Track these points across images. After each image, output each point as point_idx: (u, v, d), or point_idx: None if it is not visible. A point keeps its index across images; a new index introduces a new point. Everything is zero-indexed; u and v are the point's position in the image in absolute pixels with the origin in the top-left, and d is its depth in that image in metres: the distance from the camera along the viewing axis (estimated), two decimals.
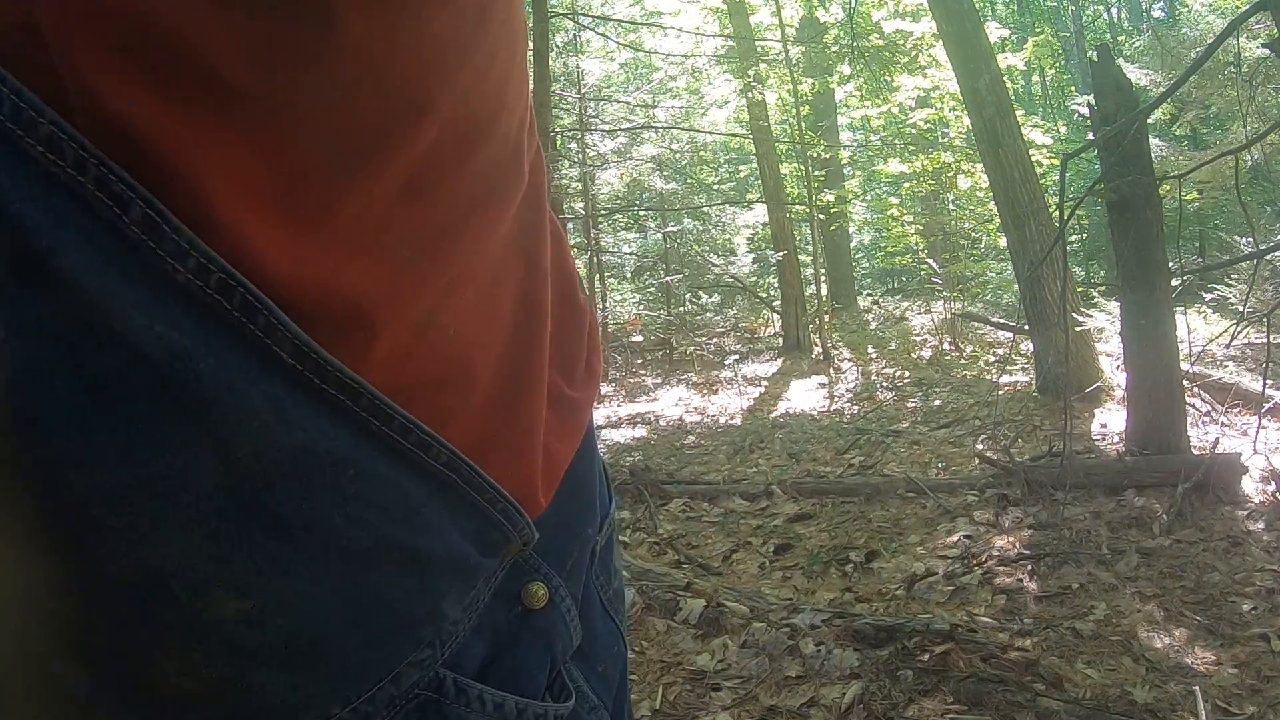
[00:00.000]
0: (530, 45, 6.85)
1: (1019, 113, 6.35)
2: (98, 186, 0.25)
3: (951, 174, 9.62)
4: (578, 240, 10.23)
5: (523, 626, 0.42)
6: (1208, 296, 6.63)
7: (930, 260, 9.87)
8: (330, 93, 0.29)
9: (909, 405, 6.26)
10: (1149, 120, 4.16)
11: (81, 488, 0.26)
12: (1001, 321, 7.87)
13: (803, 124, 9.80)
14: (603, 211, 10.60)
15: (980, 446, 4.67)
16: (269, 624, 0.30)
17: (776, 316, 10.88)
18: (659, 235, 11.24)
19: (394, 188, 0.32)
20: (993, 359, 7.55)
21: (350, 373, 0.30)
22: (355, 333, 0.31)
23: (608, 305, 10.61)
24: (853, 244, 14.75)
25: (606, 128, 10.01)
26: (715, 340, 11.29)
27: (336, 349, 0.31)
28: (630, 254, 11.66)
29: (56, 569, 0.27)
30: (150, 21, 0.26)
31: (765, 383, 8.23)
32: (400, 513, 0.33)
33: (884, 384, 7.31)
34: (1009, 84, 7.21)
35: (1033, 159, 6.12)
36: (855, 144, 13.10)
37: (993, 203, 6.77)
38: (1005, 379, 6.18)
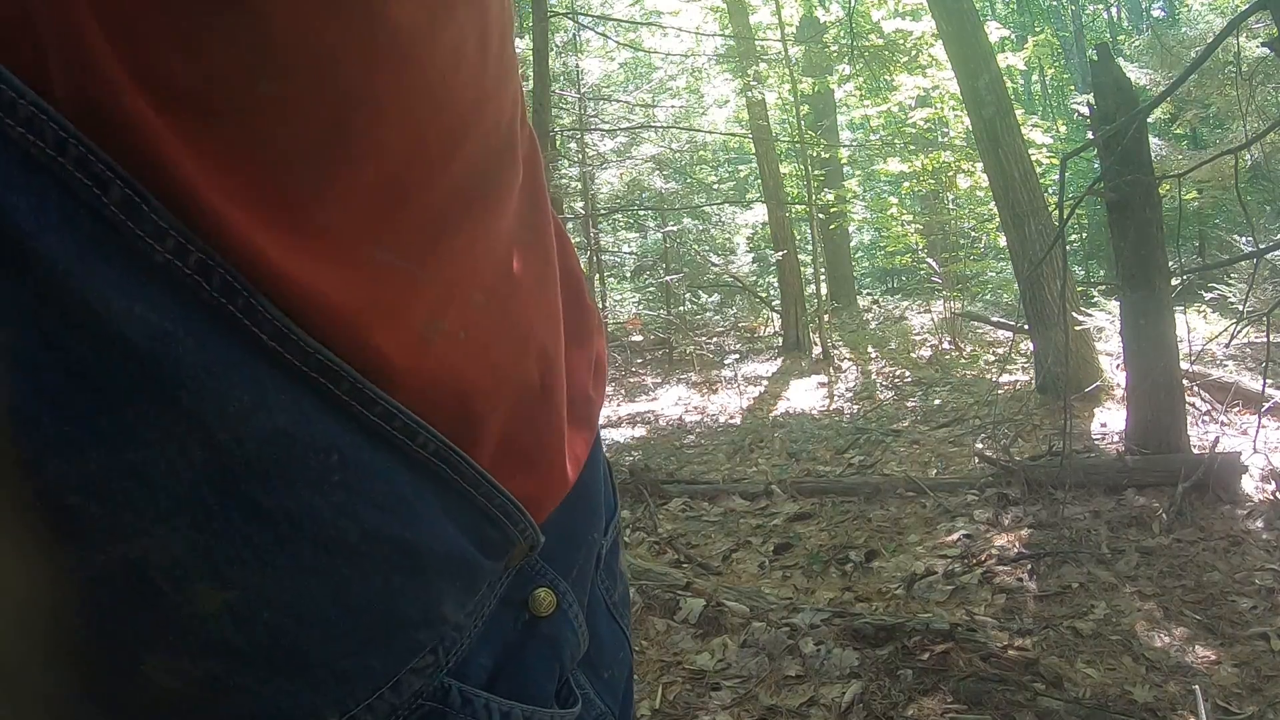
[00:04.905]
0: (530, 44, 6.85)
1: (1019, 112, 6.35)
2: (78, 167, 0.24)
3: (951, 173, 9.62)
4: (578, 240, 10.23)
5: (530, 634, 0.41)
6: (1207, 296, 6.63)
7: (930, 260, 9.87)
8: (280, 89, 0.28)
9: (909, 405, 6.26)
10: (1149, 119, 4.16)
11: (62, 477, 0.25)
12: (1001, 321, 7.87)
13: (802, 123, 9.80)
14: (602, 211, 10.60)
15: (980, 446, 4.67)
16: (254, 619, 0.29)
17: (776, 316, 10.88)
18: (659, 235, 11.24)
19: (371, 191, 0.31)
20: (992, 358, 7.55)
21: (331, 355, 0.29)
22: (340, 343, 0.30)
23: (608, 305, 10.61)
24: (852, 243, 14.75)
25: (606, 127, 10.01)
26: (715, 340, 11.29)
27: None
28: (630, 254, 11.66)
29: (40, 566, 0.27)
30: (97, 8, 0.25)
31: (765, 382, 8.23)
32: (389, 503, 0.32)
33: (884, 383, 7.31)
34: (1009, 83, 7.21)
35: (1032, 158, 6.12)
36: (855, 143, 13.09)
37: (992, 202, 6.76)
38: (1005, 378, 6.18)
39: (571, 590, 0.44)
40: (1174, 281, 4.01)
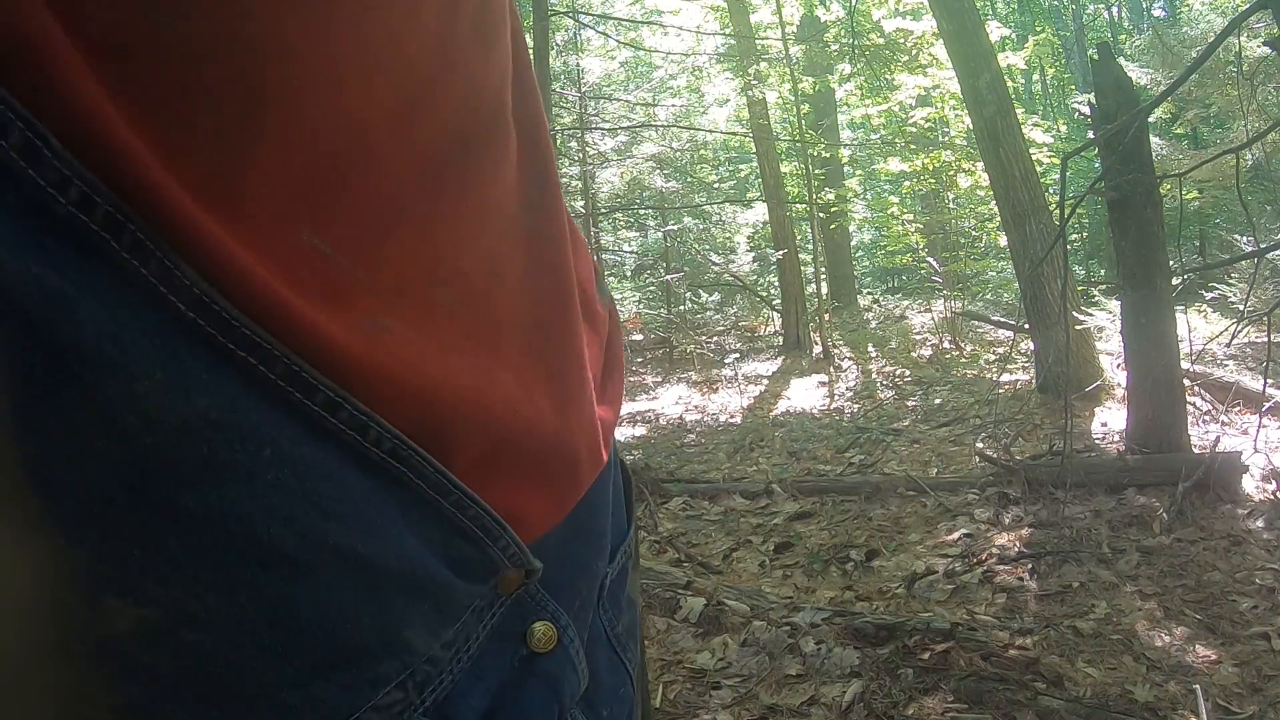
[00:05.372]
0: (530, 43, 6.85)
1: (1019, 111, 6.35)
2: None
3: (952, 173, 9.62)
4: None
5: (528, 672, 0.37)
6: (1208, 295, 6.64)
7: (930, 259, 9.87)
8: (183, 32, 0.24)
9: (909, 404, 6.26)
10: (1149, 119, 4.15)
11: None
12: (1002, 320, 7.86)
13: (803, 122, 9.80)
14: (603, 210, 10.59)
15: (980, 445, 4.67)
16: (176, 640, 0.25)
17: (777, 315, 10.88)
18: (659, 234, 11.24)
19: (298, 165, 0.27)
20: (993, 357, 7.55)
21: (261, 332, 0.25)
22: (275, 322, 0.26)
23: None
24: (853, 243, 14.75)
25: (607, 126, 10.01)
26: (715, 339, 11.28)
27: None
28: (630, 253, 11.66)
29: None
30: None
31: (765, 381, 8.23)
32: (336, 508, 0.27)
33: (884, 383, 7.31)
34: (1009, 83, 7.21)
35: (1033, 158, 6.12)
36: (855, 143, 13.09)
37: (993, 201, 6.76)
38: (1005, 377, 6.18)
39: (573, 624, 0.40)
40: (1175, 281, 4.01)
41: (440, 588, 0.31)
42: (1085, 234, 12.13)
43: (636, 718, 0.50)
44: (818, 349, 9.16)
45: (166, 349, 0.24)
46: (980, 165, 7.51)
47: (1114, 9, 19.04)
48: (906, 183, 10.82)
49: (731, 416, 6.75)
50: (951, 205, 10.95)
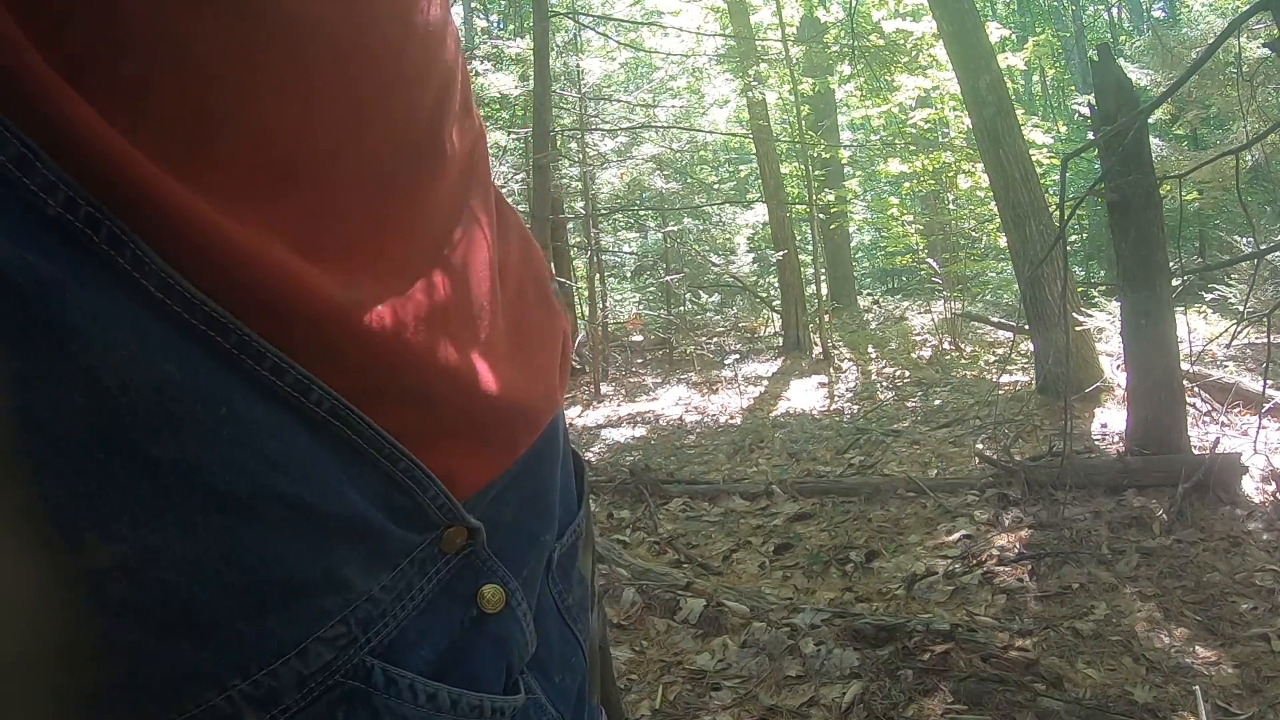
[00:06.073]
0: (530, 44, 6.85)
1: (1019, 112, 6.35)
2: None
3: (952, 174, 9.62)
4: (578, 240, 10.23)
5: (477, 631, 0.41)
6: (1208, 296, 6.63)
7: (930, 260, 9.87)
8: (140, 70, 0.29)
9: (909, 405, 6.26)
10: (1149, 120, 4.16)
11: None
12: (1001, 321, 7.87)
13: (803, 123, 9.80)
14: (603, 211, 10.59)
15: (980, 446, 4.67)
16: (145, 576, 0.29)
17: (776, 316, 10.88)
18: (659, 235, 11.24)
19: (252, 172, 0.32)
20: (993, 359, 7.56)
21: (217, 307, 0.30)
22: (236, 291, 0.31)
23: (608, 305, 10.60)
24: (853, 244, 14.76)
25: (606, 127, 10.00)
26: (715, 340, 11.29)
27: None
28: (630, 253, 11.66)
29: None
30: None
31: (765, 382, 8.23)
32: (282, 460, 0.31)
33: (884, 383, 7.31)
34: (1009, 84, 7.21)
35: (1033, 159, 6.12)
36: (855, 144, 13.10)
37: (993, 202, 6.77)
38: (1005, 379, 6.18)
39: (521, 589, 0.43)
40: (1174, 282, 4.01)
41: (376, 533, 0.35)
42: (1085, 235, 12.13)
43: (592, 689, 0.54)
44: (817, 350, 9.16)
45: (139, 325, 0.28)
46: (980, 166, 7.51)
47: (1114, 10, 19.06)
48: (906, 184, 10.82)
49: (731, 417, 6.75)
50: (951, 206, 10.95)
